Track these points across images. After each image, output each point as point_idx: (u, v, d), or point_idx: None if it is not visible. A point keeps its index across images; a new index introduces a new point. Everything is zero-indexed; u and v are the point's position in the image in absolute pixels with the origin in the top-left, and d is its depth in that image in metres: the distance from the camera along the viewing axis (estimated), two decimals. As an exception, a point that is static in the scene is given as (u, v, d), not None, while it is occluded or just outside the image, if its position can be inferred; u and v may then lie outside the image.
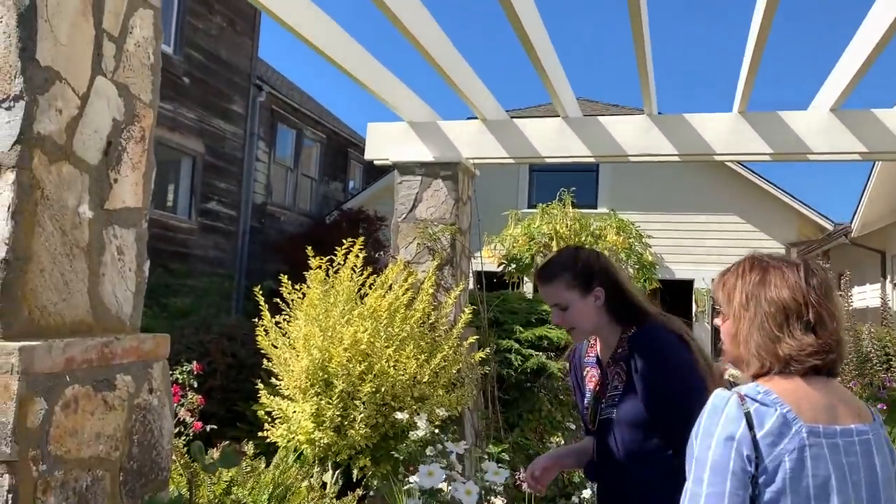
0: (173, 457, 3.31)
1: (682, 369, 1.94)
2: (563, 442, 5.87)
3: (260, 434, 4.68)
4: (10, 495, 1.49)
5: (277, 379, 4.79)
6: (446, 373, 4.69)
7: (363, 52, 4.46)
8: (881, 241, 11.74)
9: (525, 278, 11.93)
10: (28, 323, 1.66)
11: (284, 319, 4.81)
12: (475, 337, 5.17)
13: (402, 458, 4.49)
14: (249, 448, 4.36)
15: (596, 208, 13.15)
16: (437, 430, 4.50)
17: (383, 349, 4.50)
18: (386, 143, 5.46)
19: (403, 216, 5.39)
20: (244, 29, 13.09)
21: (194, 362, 5.46)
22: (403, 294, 4.81)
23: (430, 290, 4.93)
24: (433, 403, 4.55)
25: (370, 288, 4.83)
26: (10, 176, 1.63)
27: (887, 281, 11.70)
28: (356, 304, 4.73)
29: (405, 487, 3.81)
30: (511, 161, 5.37)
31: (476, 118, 5.30)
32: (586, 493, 4.38)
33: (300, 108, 14.85)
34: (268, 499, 3.51)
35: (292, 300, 4.79)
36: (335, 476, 4.78)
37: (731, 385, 1.54)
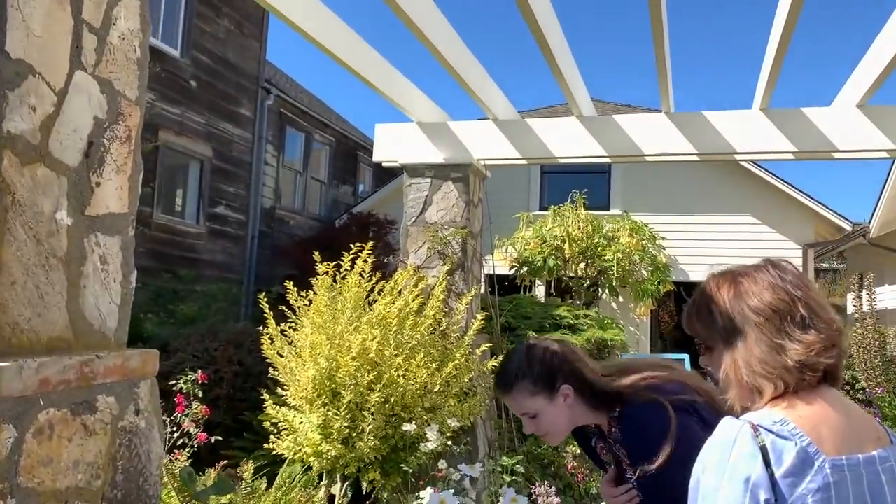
0: (165, 479, 3.15)
1: (686, 455, 1.74)
2: (578, 450, 5.69)
3: (266, 446, 4.53)
4: (-28, 535, 1.34)
5: (283, 388, 4.63)
6: (458, 382, 4.53)
7: (370, 51, 4.31)
8: (901, 241, 11.49)
9: (537, 281, 11.75)
10: (-2, 341, 1.51)
11: (290, 327, 4.65)
12: (488, 344, 5.00)
13: (412, 470, 4.33)
14: (248, 468, 4.19)
15: (609, 210, 12.94)
16: (448, 442, 4.34)
17: (392, 358, 4.33)
18: (395, 144, 5.31)
19: (413, 219, 5.22)
20: (252, 31, 12.98)
21: (199, 371, 5.31)
22: (413, 300, 4.65)
23: (441, 296, 4.76)
24: (444, 414, 4.39)
25: (379, 294, 4.67)
26: (-22, 180, 1.48)
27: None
28: (364, 310, 4.58)
29: (415, 503, 3.65)
30: (524, 162, 5.20)
31: (487, 118, 5.14)
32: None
33: (309, 111, 14.72)
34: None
35: (299, 307, 4.63)
36: (344, 489, 4.62)
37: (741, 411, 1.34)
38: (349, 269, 4.63)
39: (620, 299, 11.98)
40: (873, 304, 8.65)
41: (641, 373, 1.89)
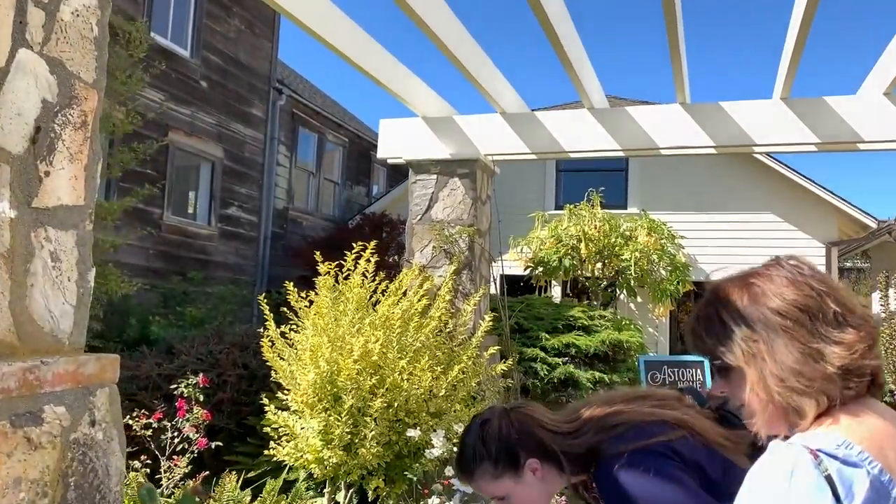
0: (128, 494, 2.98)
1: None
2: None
3: (266, 452, 4.37)
4: None
5: (285, 392, 4.48)
6: (465, 386, 4.34)
7: (369, 41, 4.15)
8: (929, 238, 11.14)
9: (553, 282, 11.54)
10: (-75, 346, 1.35)
11: (291, 329, 4.49)
12: (497, 347, 4.81)
13: (417, 478, 4.16)
14: (231, 479, 4.02)
15: (626, 208, 12.69)
16: (455, 448, 4.16)
17: (396, 361, 4.16)
18: (399, 140, 5.14)
19: (418, 217, 5.06)
20: (263, 31, 12.89)
21: (200, 375, 5.19)
22: (418, 301, 4.48)
23: (447, 297, 4.59)
24: (451, 419, 4.21)
25: (383, 294, 4.51)
26: None
27: (936, 280, 11.07)
28: (367, 311, 4.41)
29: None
30: (533, 157, 5.02)
31: (495, 112, 4.96)
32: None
33: (322, 112, 14.61)
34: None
35: (300, 308, 4.48)
36: (349, 495, 4.46)
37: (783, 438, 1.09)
38: (352, 268, 4.46)
39: (639, 300, 11.74)
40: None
41: (612, 417, 1.68)
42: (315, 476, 4.39)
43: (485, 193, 5.18)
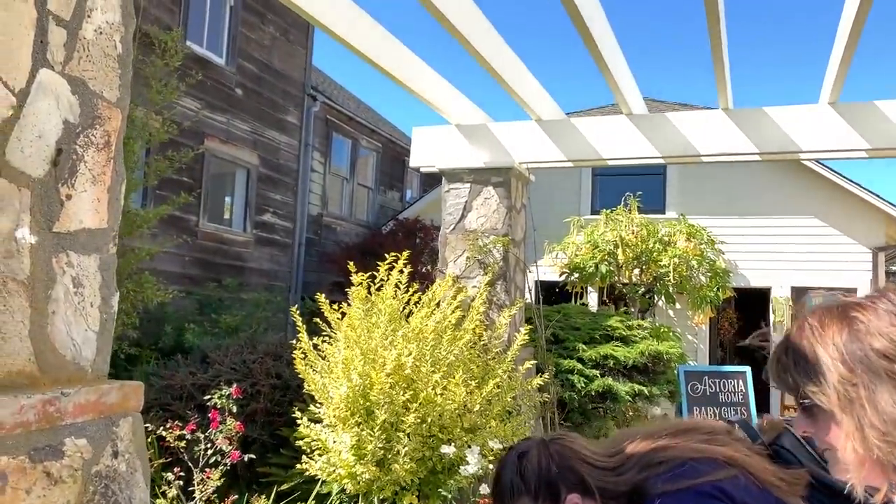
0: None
1: None
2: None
3: (297, 466, 4.32)
4: None
5: (316, 405, 4.43)
6: (500, 401, 4.24)
7: (401, 48, 4.08)
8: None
9: (589, 288, 11.37)
10: (-59, 380, 1.31)
11: (324, 341, 4.44)
12: (533, 361, 4.69)
13: (451, 496, 4.07)
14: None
15: (664, 213, 12.46)
16: (490, 465, 4.06)
17: (429, 375, 4.07)
18: (432, 148, 5.07)
19: (452, 227, 4.97)
20: (297, 38, 12.94)
21: (234, 385, 5.16)
22: (452, 313, 4.39)
23: (482, 308, 4.49)
24: (486, 435, 4.11)
25: (416, 305, 4.43)
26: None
27: None
28: (400, 324, 4.33)
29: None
30: (569, 164, 4.90)
31: (529, 119, 4.86)
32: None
33: (355, 117, 14.63)
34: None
35: (333, 320, 4.42)
36: (382, 511, 4.38)
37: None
38: (385, 279, 4.39)
39: (678, 306, 11.50)
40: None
41: (657, 452, 1.57)
42: (348, 491, 4.32)
43: (519, 202, 5.07)
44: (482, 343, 4.46)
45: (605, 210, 11.12)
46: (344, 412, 4.11)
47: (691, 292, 10.67)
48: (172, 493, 4.20)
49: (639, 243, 10.45)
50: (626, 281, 10.68)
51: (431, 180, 16.80)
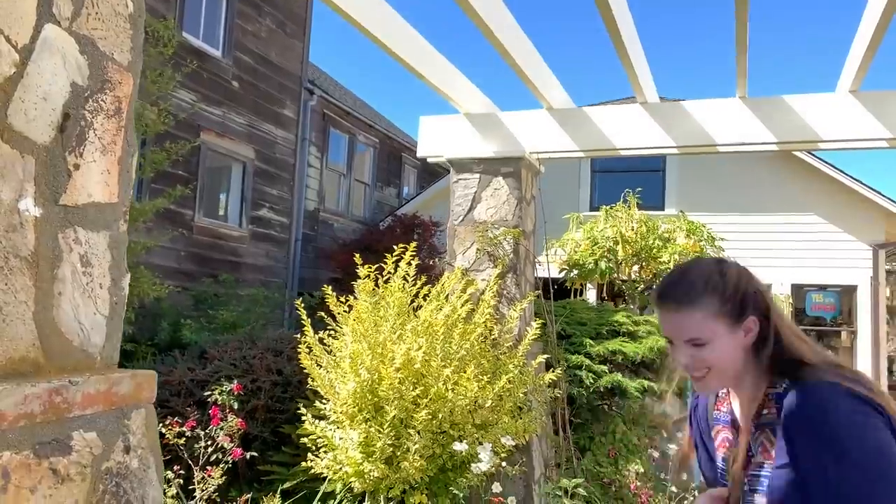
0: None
1: (871, 462, 1.26)
2: (641, 469, 5.21)
3: (303, 464, 4.18)
4: None
5: (322, 400, 4.28)
6: (512, 396, 4.11)
7: (412, 34, 3.94)
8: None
9: (588, 285, 11.24)
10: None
11: (329, 335, 4.29)
12: (545, 356, 4.56)
13: (462, 494, 3.94)
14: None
15: (663, 210, 12.37)
16: (503, 462, 3.93)
17: (440, 369, 3.94)
18: (440, 138, 4.92)
19: (460, 219, 4.83)
20: (294, 31, 12.77)
21: (235, 381, 5.02)
22: (462, 306, 4.26)
23: (492, 302, 4.36)
24: (497, 431, 3.98)
25: (424, 299, 4.29)
26: None
27: None
28: (409, 317, 4.20)
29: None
30: (581, 154, 4.77)
31: (540, 108, 4.72)
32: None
33: (353, 112, 14.46)
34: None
35: (339, 313, 4.28)
36: (389, 510, 4.25)
37: None
38: (392, 272, 4.26)
39: (677, 303, 11.39)
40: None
41: (841, 367, 1.44)
42: (354, 489, 4.19)
43: (529, 193, 4.94)
44: (493, 337, 4.33)
45: (604, 206, 11.00)
46: (351, 408, 3.97)
47: (692, 289, 10.55)
48: (172, 491, 4.06)
49: (638, 240, 10.32)
50: (625, 277, 10.55)
51: (429, 176, 16.66)
